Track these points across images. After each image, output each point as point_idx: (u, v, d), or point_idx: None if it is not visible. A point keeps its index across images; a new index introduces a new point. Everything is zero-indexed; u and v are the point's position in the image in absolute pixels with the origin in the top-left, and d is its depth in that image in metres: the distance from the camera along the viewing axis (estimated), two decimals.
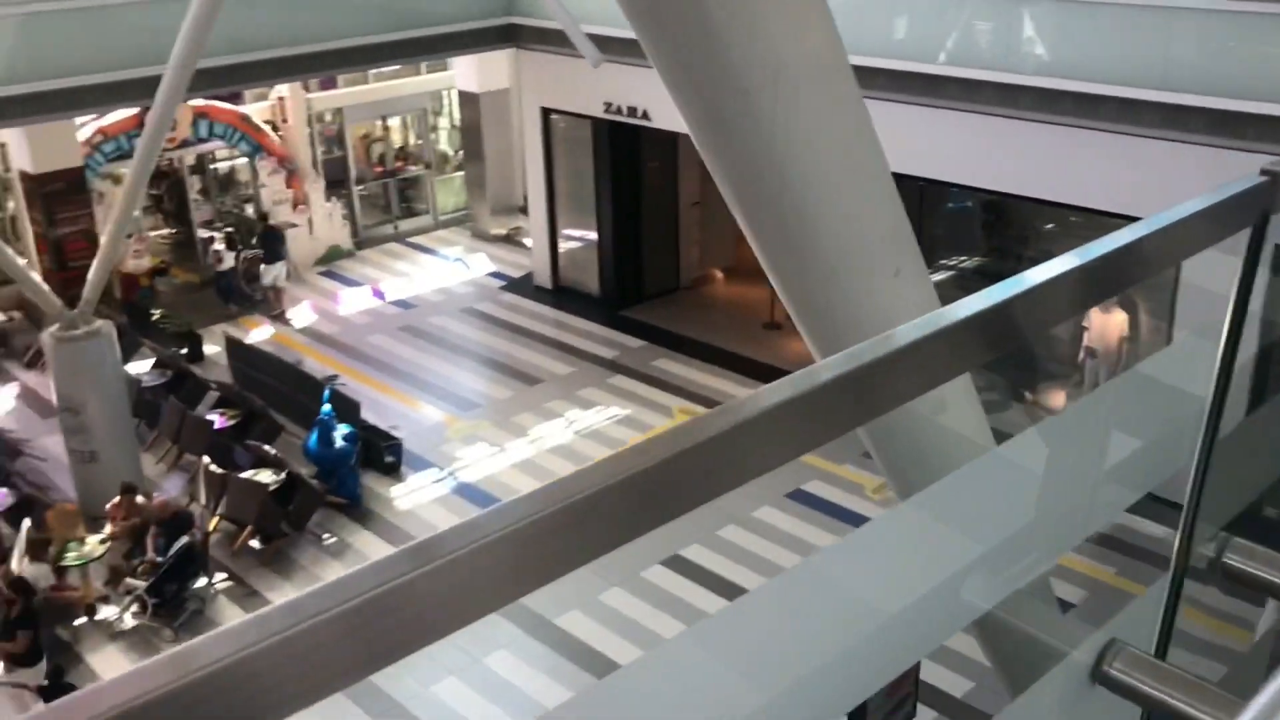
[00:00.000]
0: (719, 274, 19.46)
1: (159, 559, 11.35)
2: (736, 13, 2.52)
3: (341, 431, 13.39)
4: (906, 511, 1.89)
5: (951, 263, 16.66)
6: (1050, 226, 15.18)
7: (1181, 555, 2.05)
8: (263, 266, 18.96)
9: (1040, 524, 1.95)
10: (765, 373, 15.05)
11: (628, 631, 11.12)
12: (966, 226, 16.50)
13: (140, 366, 15.88)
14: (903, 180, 12.95)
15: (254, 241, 19.28)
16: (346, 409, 13.98)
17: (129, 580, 11.32)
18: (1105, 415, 2.08)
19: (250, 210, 20.64)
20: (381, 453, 13.96)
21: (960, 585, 1.81)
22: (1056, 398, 14.73)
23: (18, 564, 11.07)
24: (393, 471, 13.99)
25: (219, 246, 19.17)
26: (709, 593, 11.67)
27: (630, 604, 11.56)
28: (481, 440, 14.76)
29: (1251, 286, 1.90)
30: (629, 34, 10.85)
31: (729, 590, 11.62)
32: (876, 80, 13.37)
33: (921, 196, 15.35)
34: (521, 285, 19.65)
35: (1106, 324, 13.35)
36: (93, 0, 14.27)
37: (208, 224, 20.43)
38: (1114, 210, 11.55)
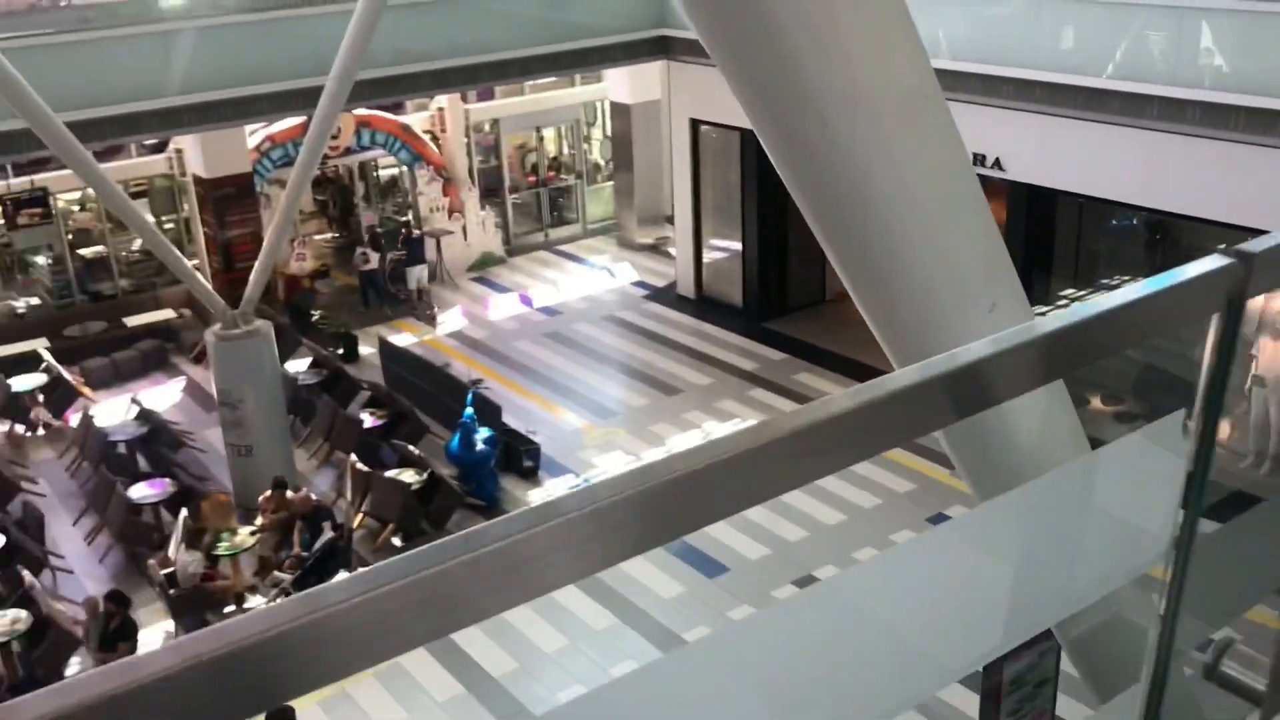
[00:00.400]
0: None
1: (304, 553, 11.78)
2: (815, 37, 2.42)
3: (482, 435, 13.66)
4: (991, 510, 1.84)
5: (1113, 282, 15.97)
6: (1223, 246, 14.40)
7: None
8: (407, 269, 19.62)
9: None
10: None
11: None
12: (1131, 244, 15.80)
13: (299, 365, 16.54)
14: (1061, 196, 12.48)
15: (399, 245, 19.91)
16: (488, 412, 14.25)
17: (275, 574, 11.78)
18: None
19: (410, 217, 21.28)
20: (520, 456, 14.18)
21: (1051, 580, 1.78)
22: (1220, 427, 13.90)
23: (174, 551, 11.65)
24: (530, 475, 14.20)
25: (365, 249, 19.86)
26: None
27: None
28: (618, 448, 14.85)
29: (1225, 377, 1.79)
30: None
31: None
32: (1033, 92, 12.96)
33: (1081, 214, 14.80)
34: (665, 294, 19.70)
35: (1277, 351, 12.56)
36: (261, 14, 14.98)
37: (370, 229, 21.18)
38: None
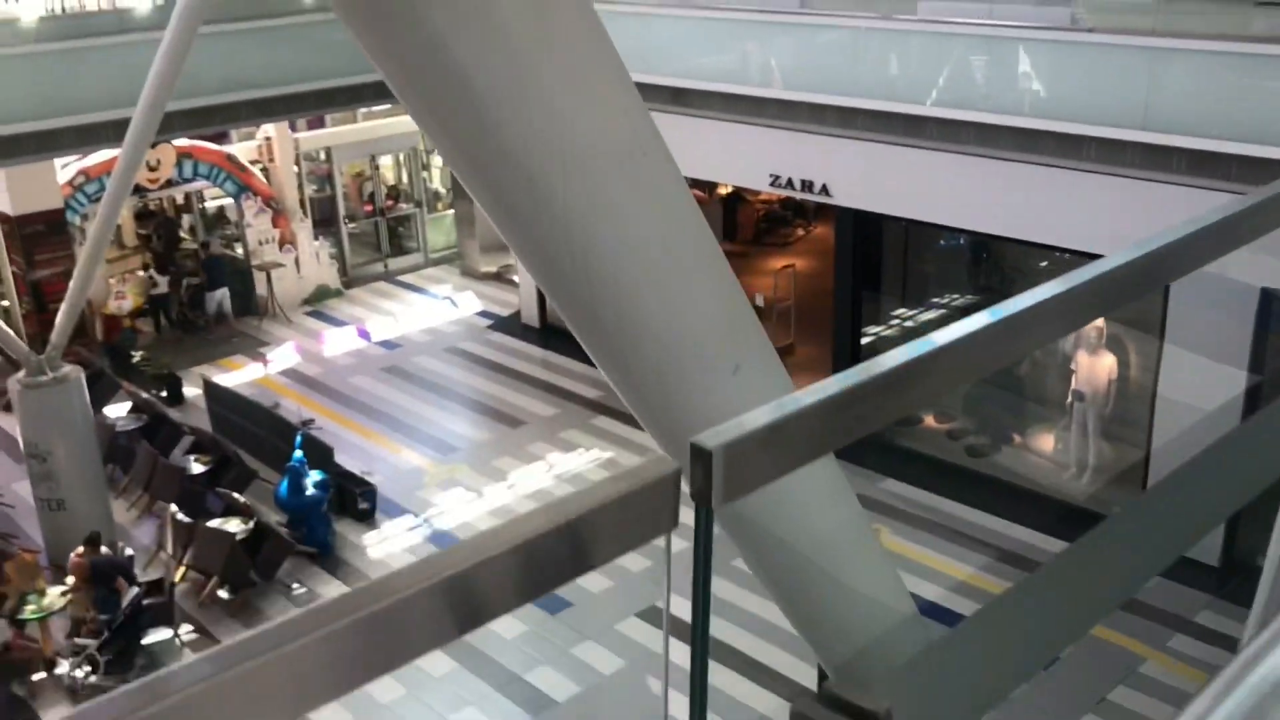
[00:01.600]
0: None
1: (101, 615, 11.07)
2: (513, 91, 2.22)
3: (313, 478, 13.14)
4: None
5: (942, 300, 16.43)
6: (1045, 264, 14.94)
7: None
8: (206, 294, 19.24)
9: None
10: None
11: (602, 683, 10.79)
12: (957, 264, 16.27)
13: (118, 410, 15.67)
14: (886, 220, 12.75)
15: (193, 268, 19.47)
16: (319, 454, 13.73)
17: (77, 640, 11.04)
18: None
19: (240, 250, 20.50)
20: (355, 499, 13.70)
21: None
22: (1045, 440, 14.41)
23: None
24: (366, 518, 13.73)
25: (152, 272, 19.24)
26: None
27: (603, 658, 11.25)
28: (459, 485, 14.50)
29: None
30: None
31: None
32: (856, 120, 13.21)
33: (906, 235, 15.17)
34: (509, 324, 19.44)
35: (1095, 366, 13.05)
36: (68, 43, 14.21)
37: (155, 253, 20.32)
38: (1096, 250, 11.28)
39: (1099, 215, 11.45)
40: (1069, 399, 13.50)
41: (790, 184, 14.36)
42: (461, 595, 1.16)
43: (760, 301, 17.49)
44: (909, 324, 16.23)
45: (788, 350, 17.70)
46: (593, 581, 12.23)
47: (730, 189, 21.46)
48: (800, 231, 22.72)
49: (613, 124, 2.45)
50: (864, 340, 15.59)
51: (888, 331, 16.06)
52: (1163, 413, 11.91)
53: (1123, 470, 13.30)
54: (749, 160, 14.89)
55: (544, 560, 1.18)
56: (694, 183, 19.83)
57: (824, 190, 14.10)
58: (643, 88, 11.93)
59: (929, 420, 14.85)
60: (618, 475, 1.29)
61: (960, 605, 11.54)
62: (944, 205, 13.09)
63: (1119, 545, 2.30)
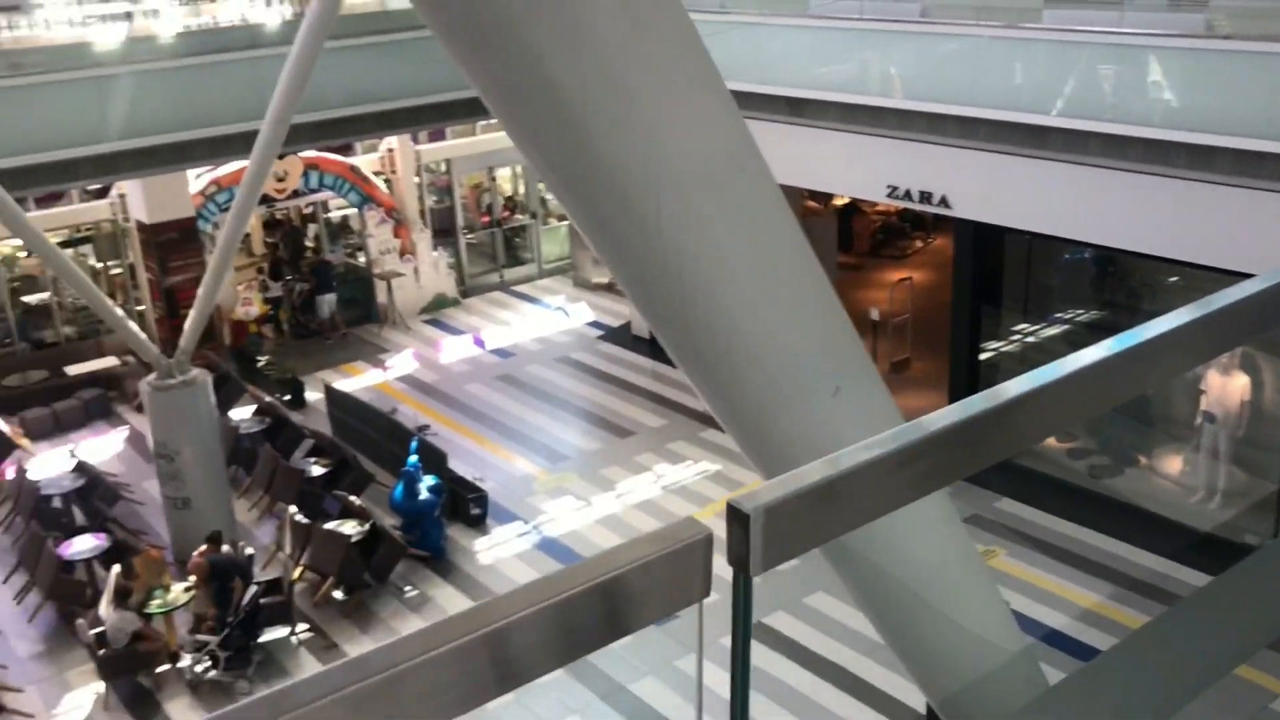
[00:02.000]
0: None
1: (219, 611, 11.40)
2: (609, 111, 2.19)
3: (426, 483, 13.36)
4: None
5: (1066, 316, 15.94)
6: (1175, 279, 14.38)
7: None
8: (317, 298, 19.87)
9: None
10: None
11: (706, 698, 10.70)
12: (1081, 279, 15.75)
13: (243, 413, 16.20)
14: (1008, 233, 12.37)
15: (306, 273, 20.07)
16: (433, 460, 13.96)
17: (198, 636, 11.40)
18: None
19: (361, 259, 21.03)
20: (467, 504, 13.89)
21: None
22: (1172, 463, 13.84)
23: (105, 610, 11.26)
24: (478, 524, 13.90)
25: (265, 278, 19.87)
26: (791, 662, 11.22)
27: (709, 673, 11.16)
28: (569, 493, 14.58)
29: None
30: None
31: (809, 659, 11.16)
32: (978, 130, 12.90)
33: (1029, 248, 14.75)
34: (620, 335, 19.51)
35: (1227, 387, 12.49)
36: (200, 58, 14.76)
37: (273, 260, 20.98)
38: (1229, 266, 10.81)
39: (1234, 230, 10.95)
40: (1198, 420, 12.94)
41: (908, 195, 14.09)
42: (489, 657, 1.11)
43: (876, 315, 17.21)
44: (1031, 339, 15.78)
45: (903, 365, 17.38)
46: None
47: (846, 200, 21.18)
48: (918, 243, 22.32)
49: (710, 141, 2.40)
50: (983, 356, 15.21)
51: (1008, 347, 15.63)
52: None
53: (1258, 498, 12.69)
54: (866, 171, 14.66)
55: (575, 624, 1.13)
56: (810, 194, 19.64)
57: (943, 202, 13.80)
58: (759, 99, 11.99)
59: (1050, 439, 14.40)
60: (646, 537, 1.21)
61: (1086, 635, 11.15)
62: (1069, 218, 12.68)
63: (1270, 578, 2.17)
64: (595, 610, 1.14)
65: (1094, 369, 1.26)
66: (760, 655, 11.39)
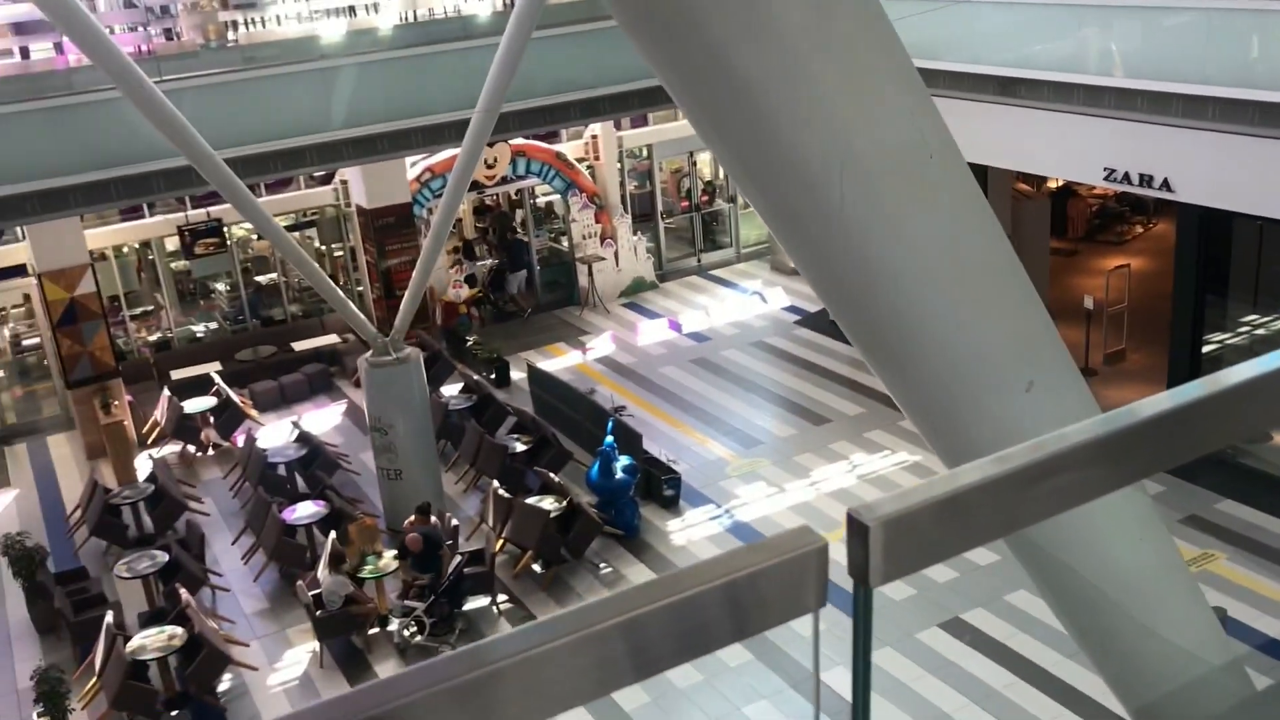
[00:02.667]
0: None
1: (420, 577, 11.94)
2: (791, 96, 2.15)
3: (622, 463, 13.61)
4: None
5: None
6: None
7: None
8: (508, 275, 20.64)
9: None
10: None
11: (893, 691, 10.54)
12: None
13: (453, 389, 16.89)
14: (1237, 219, 11.59)
15: (498, 252, 20.82)
16: (628, 440, 14.20)
17: (406, 602, 11.96)
18: None
19: (565, 243, 21.56)
20: (660, 485, 14.07)
21: None
22: None
23: (322, 573, 11.98)
24: (671, 505, 14.07)
25: (460, 257, 20.56)
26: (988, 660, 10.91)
27: (898, 663, 10.98)
28: (761, 479, 14.57)
29: None
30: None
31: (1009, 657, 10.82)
32: (1205, 109, 12.13)
33: (1260, 235, 13.80)
34: (817, 320, 19.31)
35: None
36: (416, 49, 15.41)
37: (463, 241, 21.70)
38: None
39: None
40: None
41: (1127, 179, 13.38)
42: (620, 647, 1.14)
43: (1090, 304, 16.44)
44: (1261, 331, 14.76)
45: (1119, 356, 16.56)
46: (895, 589, 11.95)
47: (1061, 183, 20.29)
48: (1138, 229, 21.18)
49: (896, 128, 2.35)
50: (1207, 349, 14.32)
51: (1235, 340, 14.67)
52: None
53: None
54: (1081, 153, 14.00)
55: (694, 622, 1.15)
56: (1022, 176, 18.89)
57: (1165, 185, 13.04)
58: (969, 78, 11.64)
59: (1278, 437, 13.45)
60: (760, 545, 1.21)
61: None
62: None
63: None
64: (712, 611, 1.15)
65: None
66: (952, 648, 11.12)
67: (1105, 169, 13.60)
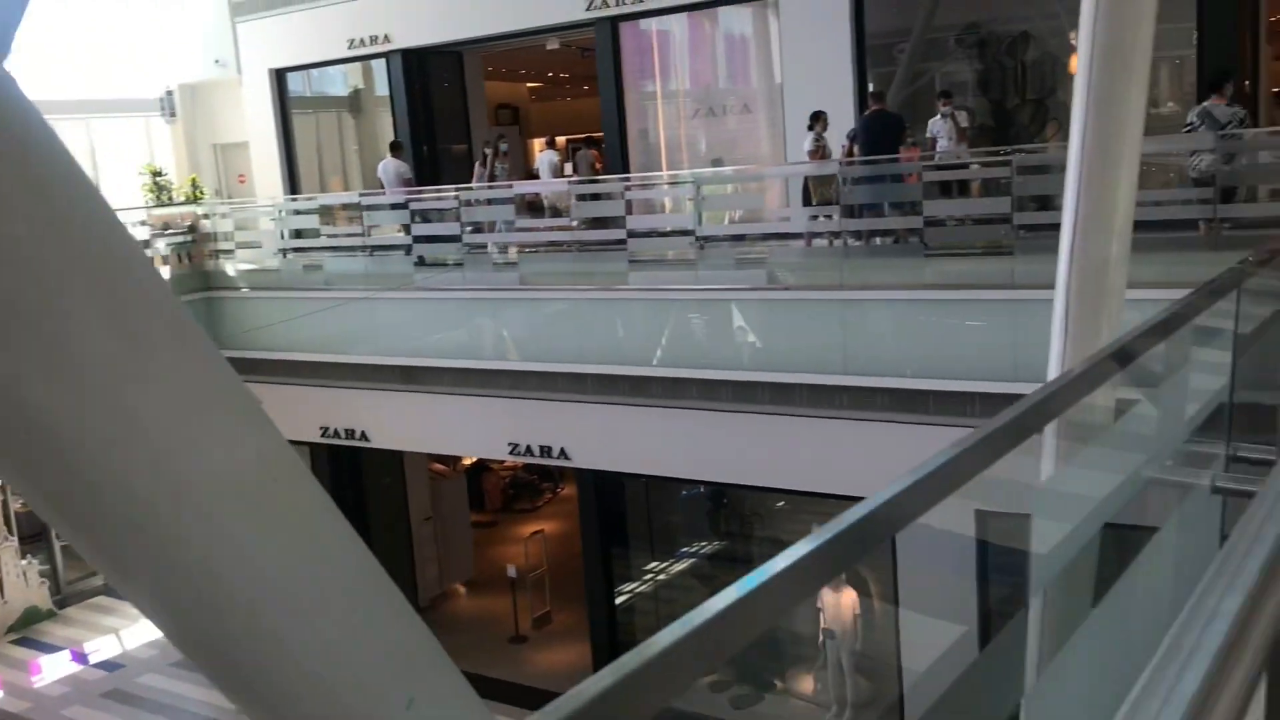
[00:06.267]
0: (461, 588, 18.86)
1: None
2: (97, 434, 2.07)
3: None
4: None
5: (691, 549, 16.64)
6: (781, 504, 15.45)
7: None
8: None
9: None
10: (511, 692, 14.16)
11: None
12: (699, 513, 16.60)
13: None
14: (626, 478, 12.82)
15: None
16: None
17: None
18: None
19: None
20: None
21: None
22: (806, 682, 14.47)
23: None
24: None
25: None
26: None
27: None
28: None
29: None
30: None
31: None
32: (585, 384, 13.55)
33: (647, 490, 15.44)
34: None
35: (840, 603, 13.36)
36: None
37: None
38: (819, 490, 11.82)
39: (815, 456, 12.00)
40: (820, 638, 13.69)
41: (530, 450, 14.42)
42: None
43: (513, 572, 17.15)
44: (662, 577, 16.27)
45: (545, 619, 17.30)
46: None
47: (473, 460, 21.37)
48: (549, 495, 22.75)
49: (230, 453, 2.29)
50: (619, 600, 15.45)
51: (642, 587, 16.01)
52: (908, 645, 12.21)
53: (884, 706, 13.45)
54: (486, 431, 14.94)
55: None
56: (435, 457, 19.63)
57: (563, 454, 14.22)
58: (376, 369, 11.96)
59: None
60: None
61: None
62: (676, 458, 13.41)
63: None
64: None
65: (728, 611, 1.22)
66: None
67: (510, 443, 14.57)
